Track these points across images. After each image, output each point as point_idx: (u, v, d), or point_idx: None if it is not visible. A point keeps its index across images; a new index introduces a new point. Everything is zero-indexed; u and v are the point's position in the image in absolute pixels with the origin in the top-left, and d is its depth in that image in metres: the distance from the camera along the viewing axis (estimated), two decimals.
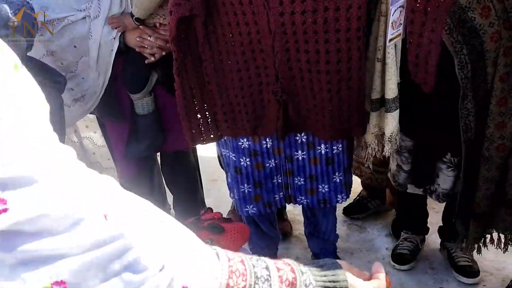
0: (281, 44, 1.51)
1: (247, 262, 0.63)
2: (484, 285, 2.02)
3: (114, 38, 1.76)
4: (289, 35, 1.48)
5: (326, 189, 1.79)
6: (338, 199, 1.82)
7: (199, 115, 1.69)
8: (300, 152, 1.74)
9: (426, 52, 1.52)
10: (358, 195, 2.57)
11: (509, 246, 1.85)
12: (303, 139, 1.72)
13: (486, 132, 1.62)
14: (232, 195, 1.92)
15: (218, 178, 2.75)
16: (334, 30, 1.47)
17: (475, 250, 1.89)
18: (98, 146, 2.26)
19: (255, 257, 0.66)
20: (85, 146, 2.27)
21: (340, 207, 2.57)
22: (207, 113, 1.70)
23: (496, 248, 1.89)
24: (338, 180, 1.78)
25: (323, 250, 2.11)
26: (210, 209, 1.54)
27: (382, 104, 1.68)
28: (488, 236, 1.88)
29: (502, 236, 1.84)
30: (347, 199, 1.90)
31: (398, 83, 1.59)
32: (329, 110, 1.60)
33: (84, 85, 1.89)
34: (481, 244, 1.89)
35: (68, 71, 1.87)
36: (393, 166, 1.98)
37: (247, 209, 1.82)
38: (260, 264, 0.64)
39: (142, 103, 1.89)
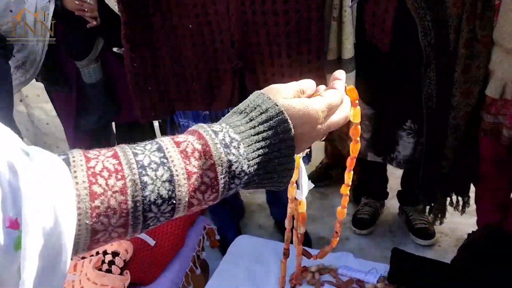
0: (236, 6, 1.43)
1: (122, 153, 0.46)
2: (439, 246, 2.08)
3: (49, 1, 1.65)
4: None
5: None
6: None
7: (149, 87, 1.60)
8: None
9: (383, 10, 1.50)
10: (320, 163, 2.59)
11: (466, 208, 1.90)
12: None
13: (452, 101, 1.62)
14: None
15: None
16: None
17: (439, 216, 1.93)
18: (51, 116, 2.15)
19: (141, 144, 0.49)
20: (37, 116, 2.18)
21: (310, 176, 2.59)
22: (158, 84, 1.62)
23: (454, 210, 1.94)
24: None
25: (285, 216, 2.11)
26: None
27: (339, 65, 1.67)
28: (448, 199, 1.92)
29: (460, 199, 1.89)
30: (309, 164, 1.88)
31: (353, 44, 1.57)
32: (289, 78, 1.54)
33: (24, 52, 1.79)
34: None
35: (7, 37, 1.77)
36: None
37: None
38: (147, 148, 0.48)
39: (89, 70, 1.80)
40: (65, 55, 1.78)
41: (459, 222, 2.11)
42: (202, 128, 0.50)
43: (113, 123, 2.13)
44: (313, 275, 1.25)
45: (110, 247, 1.21)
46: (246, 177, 0.50)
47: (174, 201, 0.46)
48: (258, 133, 0.50)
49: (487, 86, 1.57)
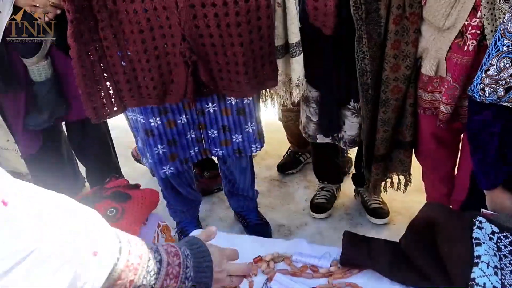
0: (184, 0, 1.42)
1: (144, 256, 0.72)
2: (394, 224, 2.16)
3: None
4: None
5: (240, 139, 1.79)
6: (253, 148, 1.83)
7: (99, 86, 1.57)
8: (211, 104, 1.71)
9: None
10: (288, 151, 2.61)
11: (409, 187, 1.97)
12: None
13: (382, 75, 1.68)
14: (145, 160, 1.86)
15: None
16: None
17: (377, 192, 2.00)
18: None
19: (155, 247, 0.76)
20: None
21: (272, 166, 2.61)
22: (108, 82, 1.59)
23: (396, 190, 2.02)
24: (251, 130, 1.78)
25: (244, 207, 2.13)
26: (115, 177, 1.49)
27: (286, 50, 1.68)
28: (389, 180, 1.99)
29: (402, 178, 1.96)
30: (261, 148, 1.89)
31: (299, 28, 1.59)
32: (243, 66, 1.54)
33: None
34: (382, 187, 2.01)
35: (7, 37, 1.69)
36: (303, 118, 2.01)
37: (164, 170, 1.79)
38: (156, 257, 0.74)
39: (38, 68, 1.74)
40: (14, 53, 1.71)
41: (412, 201, 2.19)
42: (183, 257, 0.79)
43: (63, 122, 2.07)
44: (268, 264, 1.26)
45: None
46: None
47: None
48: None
49: (420, 64, 1.63)
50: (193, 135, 1.77)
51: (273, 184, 2.54)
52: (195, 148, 1.81)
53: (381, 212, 2.17)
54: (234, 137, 1.77)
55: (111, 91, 1.59)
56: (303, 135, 2.07)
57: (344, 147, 2.01)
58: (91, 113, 1.58)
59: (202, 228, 2.12)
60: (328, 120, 1.92)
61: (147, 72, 1.56)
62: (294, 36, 1.61)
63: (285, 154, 2.62)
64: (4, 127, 1.95)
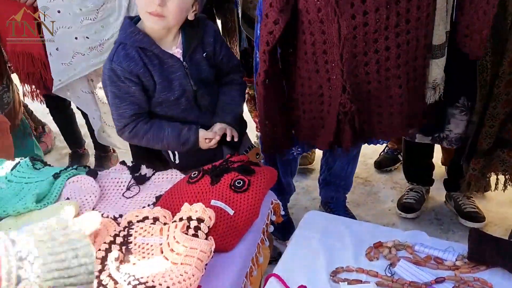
0: (349, 50, 1.41)
1: None
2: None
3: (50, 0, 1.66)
4: (359, 38, 1.39)
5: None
6: (380, 141, 1.80)
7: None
8: None
9: (478, 29, 1.47)
10: (385, 148, 2.60)
11: (509, 186, 1.89)
12: None
13: (499, 70, 1.62)
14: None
15: None
16: (405, 21, 1.39)
17: (471, 189, 1.92)
18: (103, 103, 2.13)
19: None
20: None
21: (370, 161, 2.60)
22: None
23: (494, 190, 1.93)
24: None
25: (334, 199, 2.14)
26: (237, 153, 1.54)
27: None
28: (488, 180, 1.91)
29: (501, 178, 1.88)
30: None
31: (447, 32, 1.54)
32: (399, 106, 1.53)
33: (102, 34, 1.82)
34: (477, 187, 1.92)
35: (87, 18, 1.80)
36: None
37: (293, 151, 1.80)
38: None
39: None
40: None
41: (507, 212, 2.12)
42: None
43: None
44: (389, 250, 1.27)
45: (194, 214, 1.23)
46: None
47: None
48: None
49: None
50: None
51: (356, 181, 2.52)
52: None
53: (476, 216, 2.10)
54: None
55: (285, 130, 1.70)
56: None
57: (449, 146, 1.96)
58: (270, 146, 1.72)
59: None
60: (435, 119, 1.88)
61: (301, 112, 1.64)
62: (438, 38, 1.55)
63: (382, 151, 2.60)
64: None
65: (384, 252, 1.26)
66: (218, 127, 1.60)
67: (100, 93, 2.11)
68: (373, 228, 1.39)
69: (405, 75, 1.48)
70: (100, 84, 2.07)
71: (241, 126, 1.71)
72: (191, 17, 1.50)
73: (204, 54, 1.56)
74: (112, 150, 2.66)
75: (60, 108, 2.49)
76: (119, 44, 1.49)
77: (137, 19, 1.52)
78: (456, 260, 1.23)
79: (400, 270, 1.20)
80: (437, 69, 1.59)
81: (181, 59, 1.52)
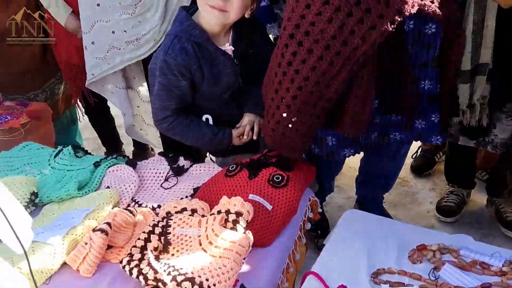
0: None
1: None
2: None
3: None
4: None
5: (423, 126, 1.64)
6: (433, 139, 1.67)
7: None
8: None
9: None
10: (418, 149, 2.50)
11: None
12: None
13: None
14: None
15: None
16: None
17: None
18: (143, 101, 2.14)
19: None
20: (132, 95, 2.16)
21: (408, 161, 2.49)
22: None
23: None
24: (436, 120, 1.62)
25: (371, 198, 2.09)
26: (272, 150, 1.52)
27: None
28: None
29: None
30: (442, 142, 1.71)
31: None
32: None
33: (139, 29, 1.83)
34: None
35: (125, 12, 1.82)
36: None
37: (344, 153, 1.70)
38: None
39: None
40: None
41: None
42: None
43: None
44: (434, 253, 1.22)
45: (233, 207, 1.23)
46: None
47: None
48: None
49: None
50: (377, 120, 1.61)
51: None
52: (375, 133, 1.67)
53: None
54: (417, 122, 1.64)
55: None
56: None
57: (493, 151, 1.89)
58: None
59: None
60: (478, 123, 1.81)
61: None
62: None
63: (414, 154, 2.49)
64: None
65: (428, 256, 1.22)
66: (246, 119, 1.59)
67: (143, 91, 2.12)
68: (416, 230, 1.35)
69: None
70: (142, 82, 2.08)
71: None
72: (247, 15, 1.47)
73: (251, 51, 1.54)
74: (150, 148, 2.69)
75: (98, 112, 2.47)
76: (174, 37, 1.47)
77: (192, 10, 1.50)
78: (502, 266, 1.17)
79: (445, 274, 1.16)
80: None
81: (232, 56, 1.51)
